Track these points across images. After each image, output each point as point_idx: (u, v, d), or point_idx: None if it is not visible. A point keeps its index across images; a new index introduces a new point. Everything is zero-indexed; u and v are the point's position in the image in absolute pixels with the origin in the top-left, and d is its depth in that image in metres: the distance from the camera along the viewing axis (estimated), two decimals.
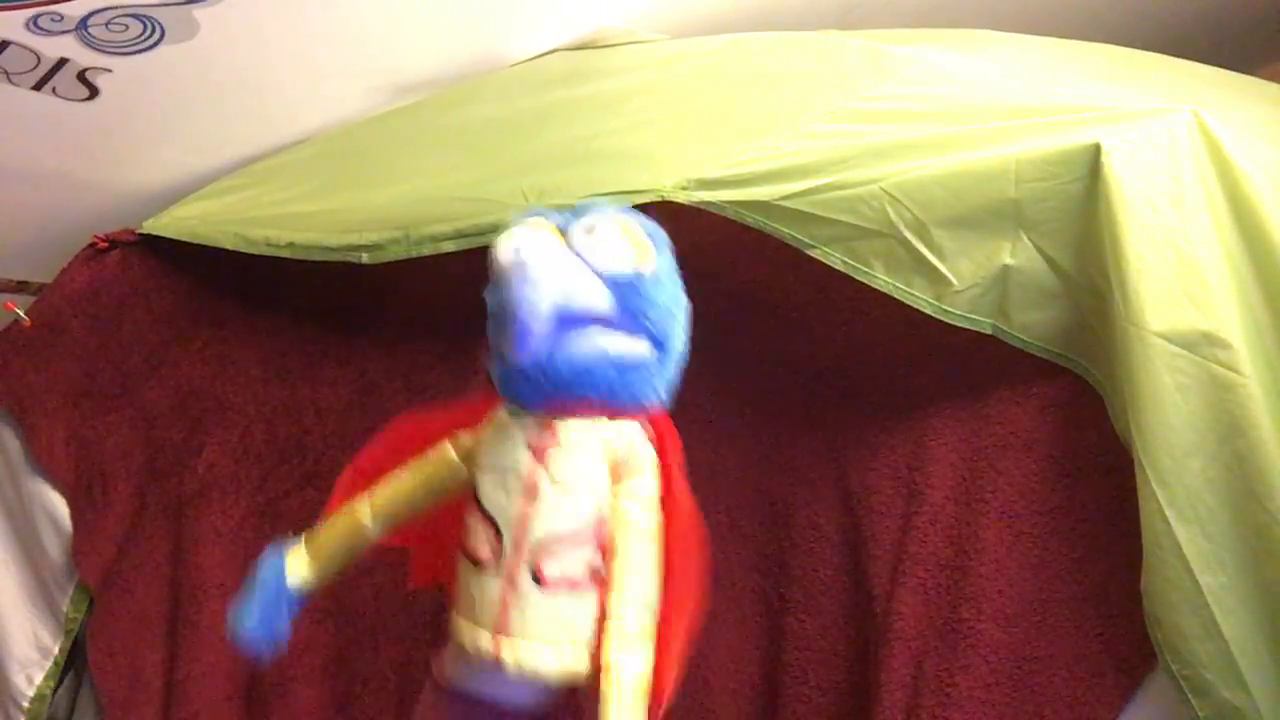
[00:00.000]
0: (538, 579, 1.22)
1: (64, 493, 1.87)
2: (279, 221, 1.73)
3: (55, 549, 1.88)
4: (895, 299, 1.38)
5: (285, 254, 1.70)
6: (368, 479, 1.38)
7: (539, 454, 1.24)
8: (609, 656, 1.18)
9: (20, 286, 2.11)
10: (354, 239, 1.63)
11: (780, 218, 1.39)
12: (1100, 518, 1.34)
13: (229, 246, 1.75)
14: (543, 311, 1.18)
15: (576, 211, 1.29)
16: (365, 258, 1.63)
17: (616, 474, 1.25)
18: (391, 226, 1.61)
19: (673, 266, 1.26)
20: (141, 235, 1.86)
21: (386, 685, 1.83)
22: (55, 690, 1.89)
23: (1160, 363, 1.18)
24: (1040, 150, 1.30)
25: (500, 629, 1.22)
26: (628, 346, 1.22)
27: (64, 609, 1.88)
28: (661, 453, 1.28)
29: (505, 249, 1.23)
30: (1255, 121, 1.36)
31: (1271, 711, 1.14)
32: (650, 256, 1.25)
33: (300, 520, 1.86)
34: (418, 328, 1.89)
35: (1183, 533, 1.16)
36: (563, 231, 1.25)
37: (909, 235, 1.35)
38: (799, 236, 1.39)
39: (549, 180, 1.52)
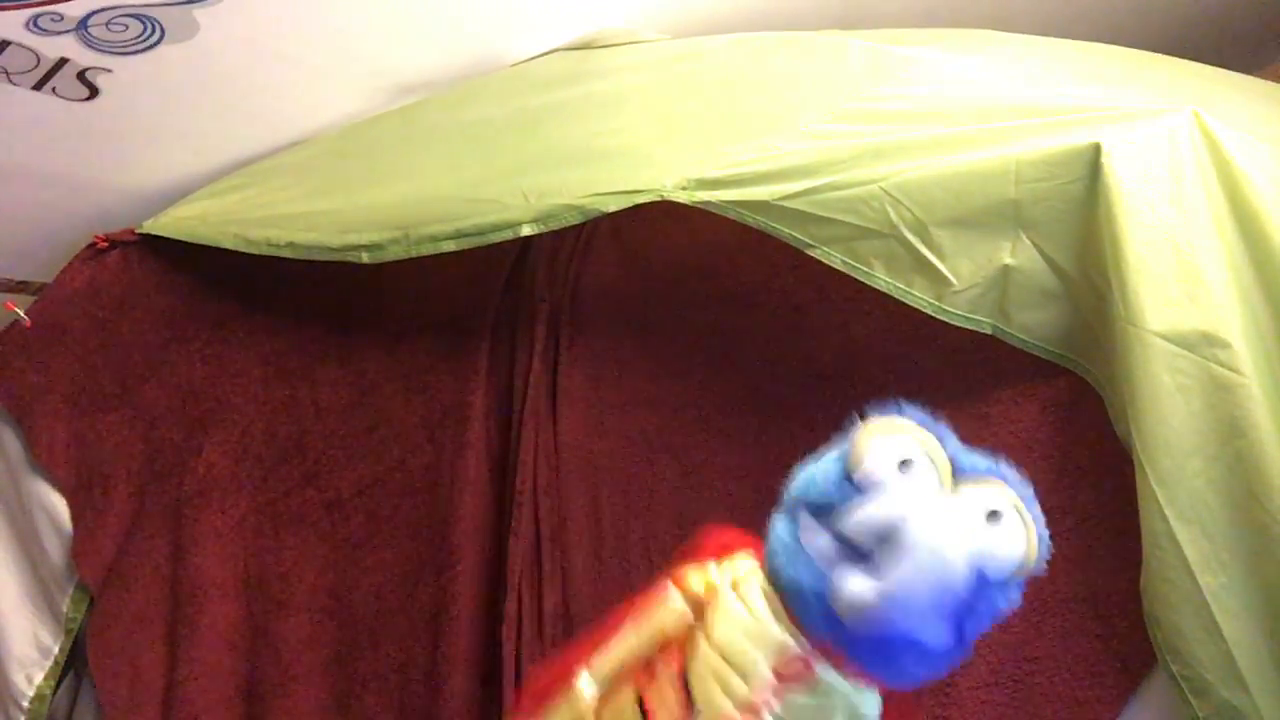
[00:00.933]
0: None
1: (64, 493, 1.87)
2: (279, 221, 1.73)
3: (55, 549, 1.88)
4: (895, 299, 1.38)
5: (285, 254, 1.70)
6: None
7: (785, 678, 1.06)
8: None
9: (20, 286, 2.11)
10: (354, 239, 1.63)
11: (780, 218, 1.39)
12: (1100, 518, 1.34)
13: (229, 246, 1.75)
14: (922, 639, 0.99)
15: (966, 448, 1.12)
16: (365, 258, 1.63)
17: None
18: (391, 226, 1.61)
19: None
20: (141, 235, 1.86)
21: (386, 685, 1.83)
22: (55, 690, 1.89)
23: (1160, 363, 1.18)
24: (1040, 150, 1.30)
25: None
26: (938, 639, 1.03)
27: (64, 609, 1.88)
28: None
29: (916, 514, 1.00)
30: (1255, 121, 1.36)
31: (1271, 711, 1.14)
32: (1036, 557, 1.07)
33: (300, 520, 1.87)
34: (417, 328, 1.89)
35: (1183, 533, 1.16)
36: (950, 459, 1.09)
37: (909, 235, 1.35)
38: (799, 236, 1.39)
39: (549, 180, 1.52)
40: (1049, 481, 1.38)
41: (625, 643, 1.14)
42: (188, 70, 1.70)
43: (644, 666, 1.13)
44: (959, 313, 1.37)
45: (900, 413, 1.12)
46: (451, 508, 1.79)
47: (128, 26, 1.57)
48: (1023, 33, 1.66)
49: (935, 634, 0.99)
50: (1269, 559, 1.14)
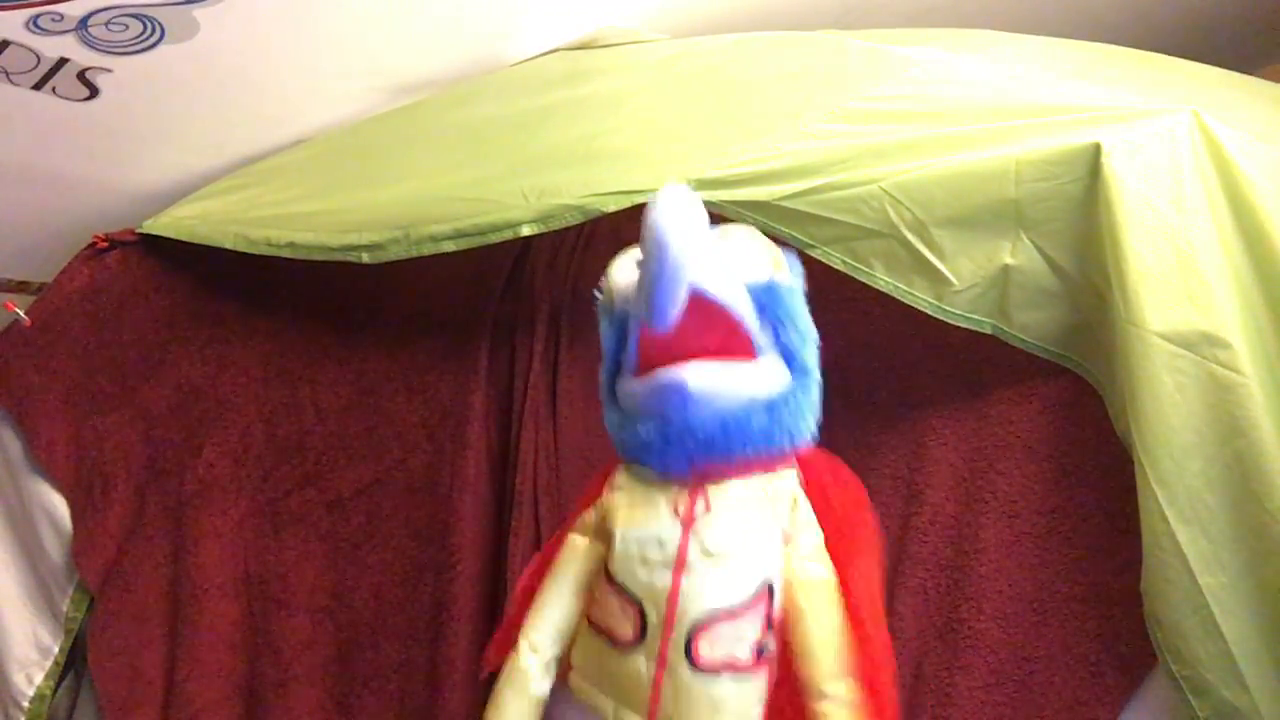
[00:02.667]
0: (693, 661, 1.09)
1: (64, 493, 1.87)
2: (279, 221, 1.73)
3: (55, 549, 1.88)
4: (895, 299, 1.38)
5: (285, 254, 1.70)
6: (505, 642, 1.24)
7: (688, 523, 1.11)
8: None
9: (20, 286, 2.11)
10: (354, 239, 1.63)
11: (780, 218, 1.39)
12: (1100, 518, 1.34)
13: (229, 246, 1.75)
14: (680, 280, 1.02)
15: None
16: (365, 258, 1.63)
17: (785, 534, 1.13)
18: (391, 226, 1.61)
19: (803, 290, 1.18)
20: (141, 235, 1.86)
21: (386, 685, 1.83)
22: (55, 690, 1.89)
23: (1160, 363, 1.19)
24: (1040, 150, 1.30)
25: (654, 716, 1.10)
26: (772, 382, 1.11)
27: (64, 609, 1.88)
28: (821, 493, 1.17)
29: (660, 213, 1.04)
30: (1255, 121, 1.36)
31: (1271, 711, 1.14)
32: (785, 268, 1.16)
33: (300, 520, 1.87)
34: (417, 328, 1.89)
35: (1183, 533, 1.16)
36: None
37: (909, 235, 1.35)
38: (799, 236, 1.39)
39: (549, 180, 1.52)
40: (1049, 481, 1.39)
41: (553, 602, 1.19)
42: (188, 70, 1.70)
43: (589, 599, 1.18)
44: (959, 312, 1.37)
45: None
46: (451, 508, 1.79)
47: (128, 26, 1.57)
48: (1023, 33, 1.66)
49: (688, 270, 1.02)
50: (1269, 559, 1.14)
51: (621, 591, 1.14)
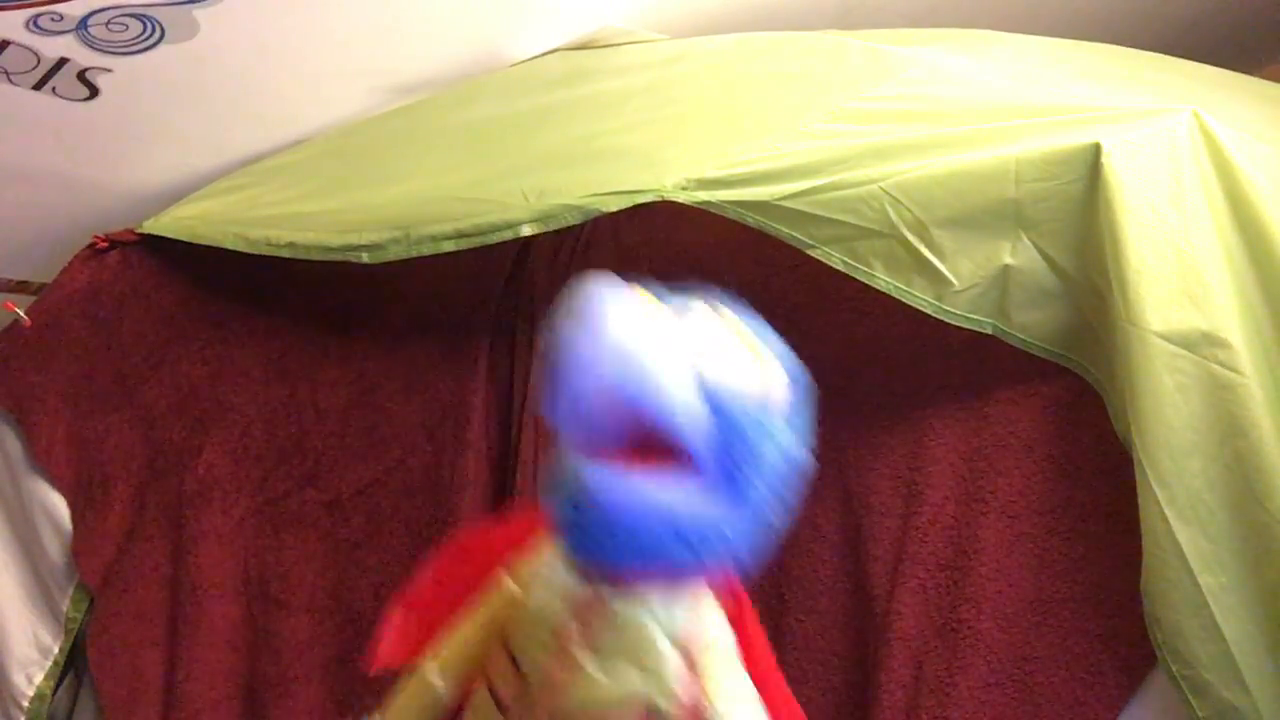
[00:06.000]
0: None
1: (64, 493, 1.87)
2: (279, 221, 1.73)
3: (55, 549, 1.88)
4: (895, 299, 1.38)
5: (285, 254, 1.70)
6: (421, 617, 1.23)
7: (583, 617, 1.07)
8: None
9: (20, 286, 2.11)
10: (354, 239, 1.63)
11: (780, 218, 1.39)
12: (1100, 518, 1.34)
13: (229, 247, 1.75)
14: (604, 359, 0.94)
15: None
16: (365, 258, 1.63)
17: (690, 662, 1.07)
18: (391, 226, 1.61)
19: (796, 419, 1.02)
20: (141, 235, 1.86)
21: (386, 685, 1.83)
22: (55, 690, 1.89)
23: (1160, 363, 1.19)
24: (1040, 150, 1.30)
25: None
26: (702, 507, 0.95)
27: (64, 609, 1.88)
28: (738, 619, 1.14)
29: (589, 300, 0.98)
30: (1255, 121, 1.36)
31: (1271, 711, 1.14)
32: (778, 381, 0.99)
33: (300, 520, 1.87)
34: (418, 328, 1.89)
35: (1183, 533, 1.16)
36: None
37: (909, 235, 1.35)
38: (799, 236, 1.39)
39: (549, 180, 1.52)
40: (1049, 481, 1.39)
41: (464, 633, 1.18)
42: (188, 70, 1.70)
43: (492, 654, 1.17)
44: (959, 313, 1.37)
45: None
46: (451, 508, 1.79)
47: (128, 26, 1.57)
48: (1023, 33, 1.66)
49: (598, 370, 0.94)
50: (1269, 559, 1.14)
51: (513, 663, 1.13)
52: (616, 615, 1.07)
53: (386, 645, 1.22)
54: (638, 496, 0.94)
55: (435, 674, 1.19)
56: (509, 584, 1.17)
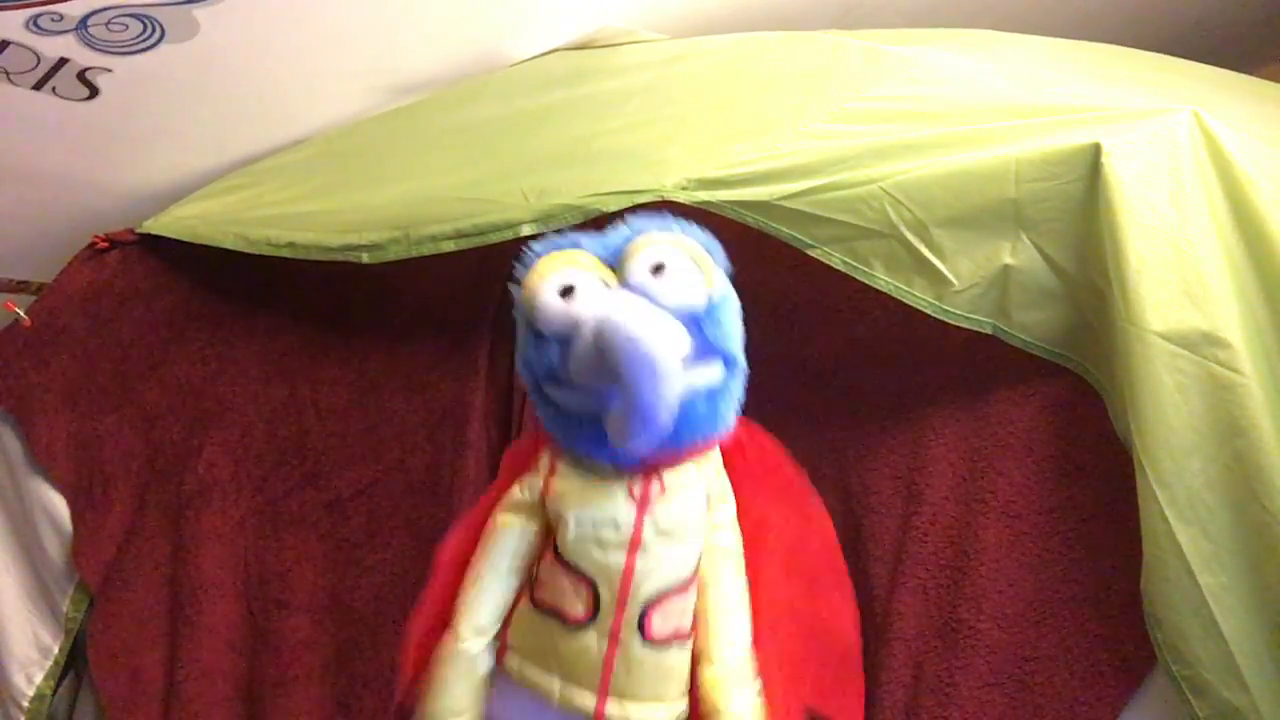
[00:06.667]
0: (645, 635, 1.14)
1: (64, 493, 1.87)
2: (279, 221, 1.73)
3: (55, 549, 1.88)
4: (895, 299, 1.38)
5: (285, 254, 1.70)
6: (433, 618, 1.26)
7: (643, 505, 1.15)
8: (722, 703, 1.13)
9: (20, 286, 2.12)
10: (354, 239, 1.63)
11: (780, 218, 1.39)
12: (1100, 518, 1.34)
13: (229, 246, 1.75)
14: (671, 404, 1.07)
15: (608, 236, 1.22)
16: (365, 258, 1.63)
17: (709, 506, 1.20)
18: (391, 226, 1.61)
19: (726, 270, 1.21)
20: (141, 235, 1.86)
21: (386, 685, 1.83)
22: (55, 690, 1.89)
23: (1160, 363, 1.18)
24: (1040, 150, 1.30)
25: (606, 690, 1.14)
26: (710, 375, 1.16)
27: (64, 609, 1.88)
28: (741, 460, 1.24)
29: (610, 324, 1.07)
30: (1255, 121, 1.36)
31: (1271, 711, 1.14)
32: (716, 277, 1.19)
33: (300, 520, 1.87)
34: (418, 328, 1.88)
35: (1183, 533, 1.16)
36: (607, 263, 1.18)
37: (909, 235, 1.35)
38: (799, 236, 1.39)
39: (549, 180, 1.52)
40: (1049, 481, 1.39)
41: (491, 584, 1.21)
42: (188, 70, 1.70)
43: (526, 583, 1.21)
44: (959, 313, 1.37)
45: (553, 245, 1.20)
46: (451, 508, 1.78)
47: (128, 26, 1.57)
48: (1023, 33, 1.66)
49: (675, 386, 1.07)
50: (1269, 559, 1.14)
51: (574, 571, 1.16)
52: (670, 489, 1.16)
53: (410, 667, 1.25)
54: (664, 365, 1.06)
55: (471, 639, 1.21)
56: (511, 519, 1.21)
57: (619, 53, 1.77)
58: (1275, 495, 1.13)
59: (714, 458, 1.22)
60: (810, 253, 1.39)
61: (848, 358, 1.60)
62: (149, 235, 1.84)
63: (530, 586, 1.22)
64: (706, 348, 1.16)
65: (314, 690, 1.84)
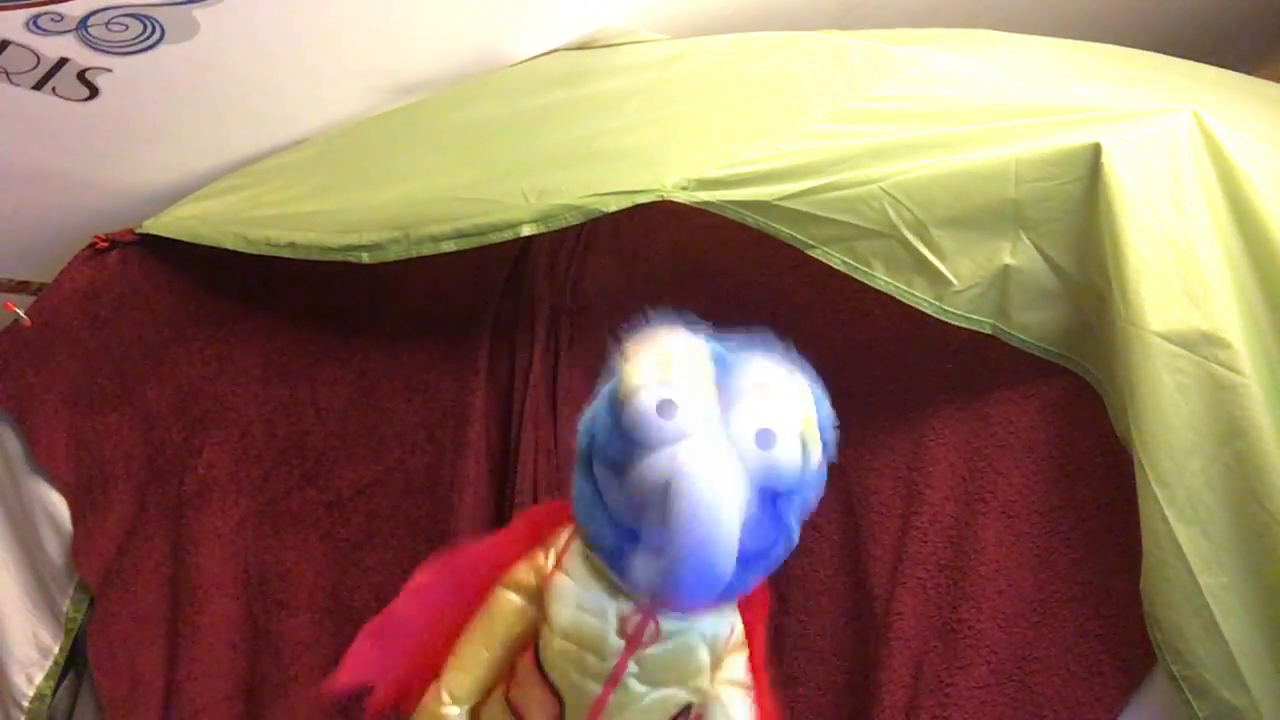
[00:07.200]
0: None
1: (64, 493, 1.87)
2: (279, 221, 1.73)
3: (55, 549, 1.88)
4: (895, 299, 1.38)
5: (285, 254, 1.70)
6: (393, 640, 1.23)
7: (633, 644, 1.09)
8: None
9: (20, 286, 2.11)
10: (354, 239, 1.63)
11: (780, 218, 1.39)
12: (1100, 518, 1.34)
13: (229, 247, 1.75)
14: (709, 589, 1.00)
15: (726, 342, 1.14)
16: (365, 258, 1.63)
17: (716, 661, 1.14)
18: (391, 226, 1.61)
19: (830, 445, 1.11)
20: (141, 235, 1.86)
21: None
22: (55, 690, 1.89)
23: (1160, 363, 1.19)
24: (1040, 150, 1.30)
25: None
26: (757, 544, 1.05)
27: (64, 609, 1.88)
28: (751, 617, 1.19)
29: (689, 482, 0.98)
30: (1255, 121, 1.36)
31: (1271, 711, 1.14)
32: (814, 456, 1.07)
33: (300, 520, 1.87)
34: (418, 328, 1.89)
35: (1183, 533, 1.16)
36: (715, 363, 1.09)
37: (909, 235, 1.35)
38: (799, 236, 1.39)
39: (549, 180, 1.52)
40: (1049, 481, 1.39)
41: (478, 658, 1.16)
42: (188, 70, 1.70)
43: (508, 671, 1.16)
44: (959, 313, 1.37)
45: (663, 331, 1.11)
46: (451, 508, 1.79)
47: (128, 26, 1.57)
48: (1023, 33, 1.66)
49: (723, 571, 0.99)
50: (1269, 559, 1.14)
51: (547, 683, 1.12)
52: (669, 636, 1.10)
53: (348, 667, 1.22)
54: (723, 546, 0.99)
55: (448, 704, 1.17)
56: (513, 598, 1.16)
57: (619, 53, 1.77)
58: (1275, 495, 1.13)
59: (728, 612, 1.15)
60: (810, 253, 1.39)
61: (848, 358, 1.60)
62: (149, 235, 1.84)
63: (508, 683, 1.17)
64: (770, 521, 1.07)
65: (314, 690, 1.84)
